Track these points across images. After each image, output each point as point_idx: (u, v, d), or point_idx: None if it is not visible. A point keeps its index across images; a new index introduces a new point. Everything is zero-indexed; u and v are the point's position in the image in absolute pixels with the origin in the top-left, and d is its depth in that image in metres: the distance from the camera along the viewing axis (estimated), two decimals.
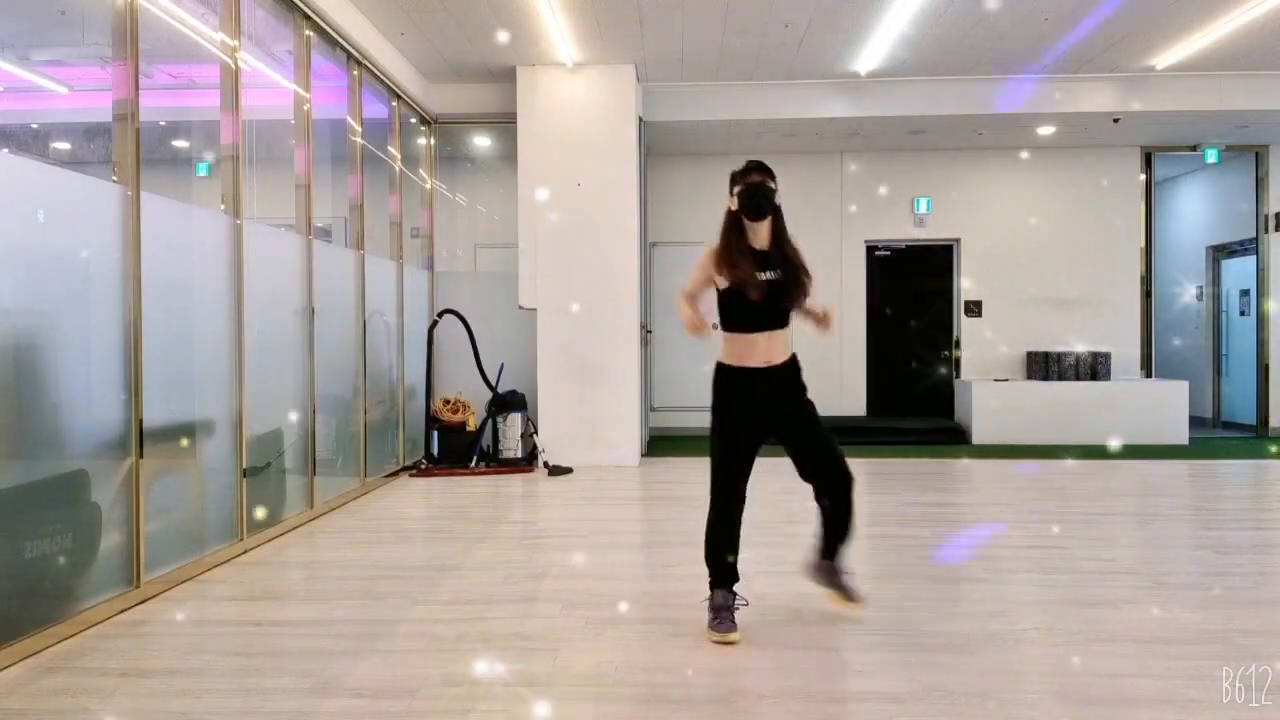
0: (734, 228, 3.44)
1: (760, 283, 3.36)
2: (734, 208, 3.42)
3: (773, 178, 3.41)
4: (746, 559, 4.57)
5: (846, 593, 3.56)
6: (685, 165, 9.95)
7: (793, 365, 3.52)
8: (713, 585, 3.48)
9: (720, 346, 3.51)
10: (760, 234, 3.42)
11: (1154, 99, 8.29)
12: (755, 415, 3.44)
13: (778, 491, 6.56)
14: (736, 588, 3.48)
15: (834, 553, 3.57)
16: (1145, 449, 8.73)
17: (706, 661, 3.17)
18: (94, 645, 3.36)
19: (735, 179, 3.43)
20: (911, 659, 3.16)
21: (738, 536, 3.48)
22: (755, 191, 3.36)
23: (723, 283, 3.40)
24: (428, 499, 6.48)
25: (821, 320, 3.55)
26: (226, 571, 4.41)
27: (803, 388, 3.52)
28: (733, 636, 3.32)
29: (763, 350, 3.42)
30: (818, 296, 3.57)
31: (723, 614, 3.39)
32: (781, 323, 3.47)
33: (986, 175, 10.10)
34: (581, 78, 7.84)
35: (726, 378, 3.48)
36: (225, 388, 4.72)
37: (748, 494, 3.48)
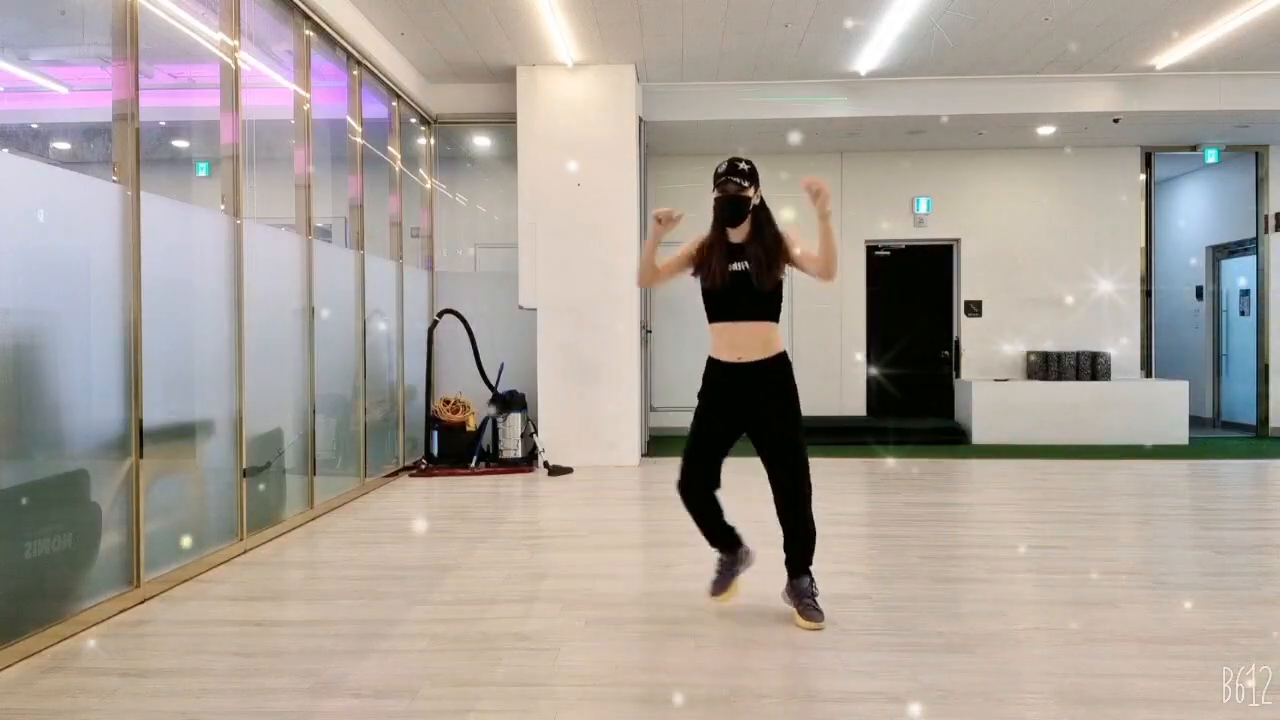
0: (716, 222, 3.59)
1: (725, 275, 3.51)
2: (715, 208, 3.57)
3: (752, 179, 3.51)
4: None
5: (807, 614, 3.49)
6: (685, 165, 9.95)
7: (774, 365, 3.56)
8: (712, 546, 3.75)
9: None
10: (737, 232, 3.56)
11: (1154, 99, 8.29)
12: (724, 410, 3.56)
13: None
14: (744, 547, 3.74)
15: (795, 571, 3.61)
16: (1145, 449, 8.73)
17: (706, 661, 3.17)
18: (94, 645, 3.36)
19: (715, 180, 3.54)
20: (911, 659, 3.16)
21: (716, 517, 3.67)
22: (730, 203, 3.51)
23: (699, 274, 3.59)
24: (428, 499, 6.48)
25: (817, 199, 3.43)
26: (226, 571, 4.41)
27: (783, 392, 3.56)
28: (721, 597, 3.70)
29: (739, 344, 3.53)
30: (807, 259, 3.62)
31: (723, 572, 3.72)
32: (755, 314, 3.54)
33: (986, 175, 10.10)
34: (581, 78, 7.84)
35: (708, 368, 3.65)
36: (225, 388, 4.73)
37: (722, 482, 3.66)
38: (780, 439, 3.54)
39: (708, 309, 3.60)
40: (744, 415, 3.56)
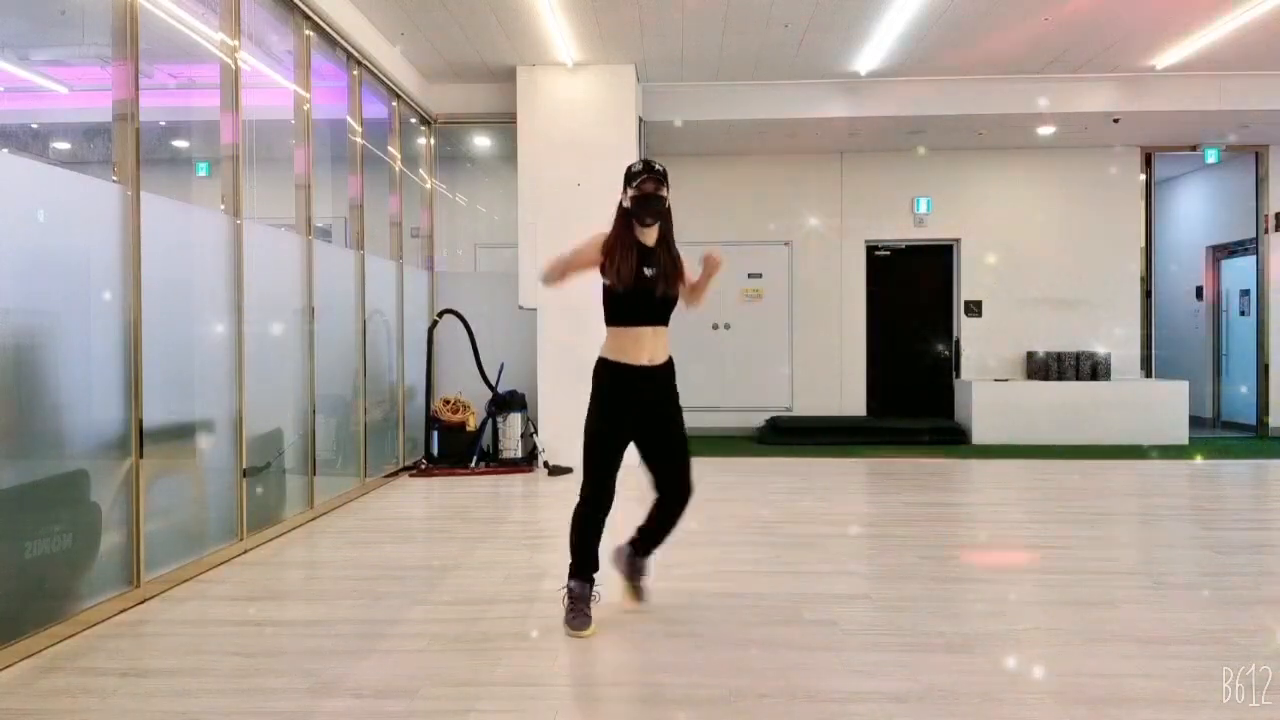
0: (624, 223, 3.54)
1: (639, 278, 3.47)
2: (626, 206, 3.52)
3: (666, 182, 3.51)
4: (748, 559, 4.59)
5: (637, 591, 3.72)
6: (685, 165, 9.94)
7: (671, 369, 3.62)
8: (572, 574, 3.57)
9: (605, 341, 3.59)
10: (648, 233, 3.54)
11: (1154, 99, 8.29)
12: (630, 413, 3.53)
13: (778, 491, 6.57)
14: (596, 576, 3.61)
15: (647, 551, 3.71)
16: (1145, 449, 8.73)
17: (706, 661, 3.17)
18: (94, 645, 3.36)
19: (630, 178, 3.51)
20: (911, 659, 3.17)
21: (602, 528, 3.60)
22: (648, 200, 3.48)
23: (607, 275, 3.51)
24: (428, 499, 6.48)
25: (706, 273, 3.56)
26: (226, 571, 4.41)
27: (676, 396, 3.62)
28: (587, 631, 3.44)
29: (646, 347, 3.52)
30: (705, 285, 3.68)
31: (579, 605, 3.51)
32: (662, 320, 3.56)
33: (986, 175, 10.09)
34: (581, 78, 7.84)
35: (608, 373, 3.56)
36: (225, 388, 4.73)
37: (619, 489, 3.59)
38: (679, 442, 3.57)
39: (615, 311, 3.54)
40: (643, 418, 3.54)
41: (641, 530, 3.68)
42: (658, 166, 3.53)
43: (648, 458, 3.58)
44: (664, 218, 3.55)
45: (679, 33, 7.07)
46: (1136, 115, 8.51)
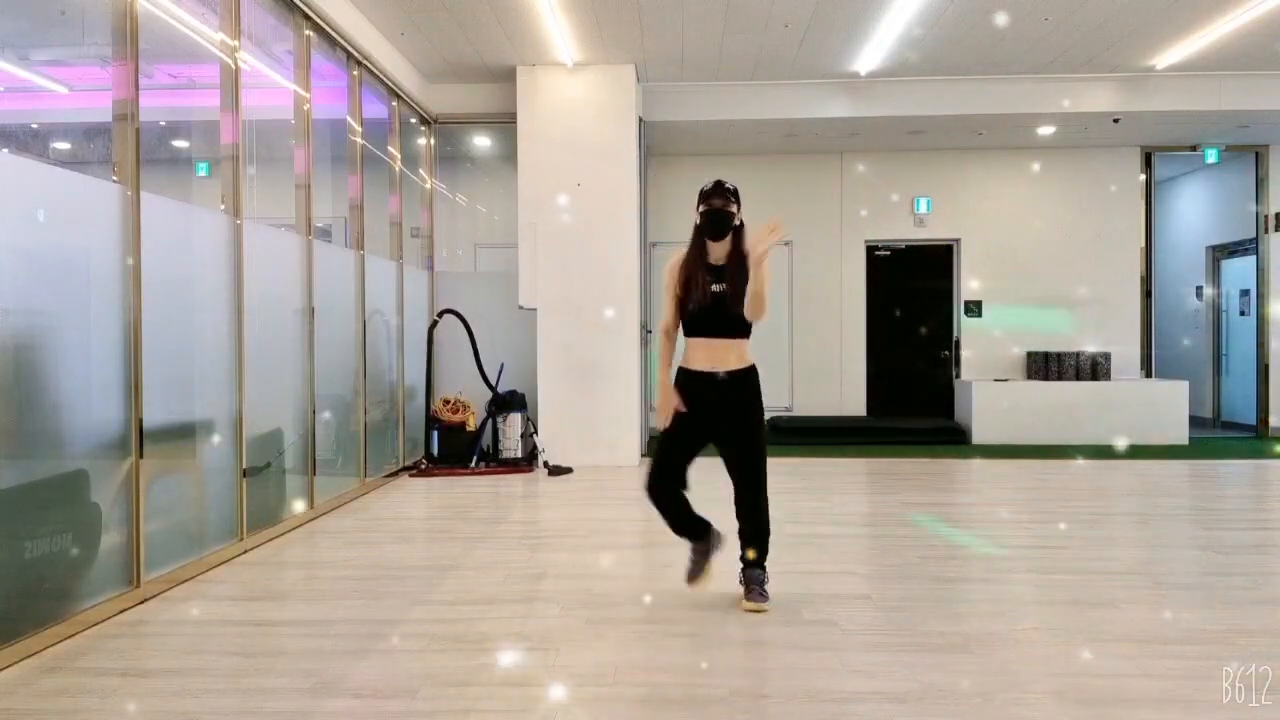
0: (697, 240, 3.73)
1: (707, 296, 3.64)
2: (697, 222, 3.72)
3: (735, 199, 3.70)
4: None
5: (752, 596, 3.73)
6: (685, 165, 9.96)
7: (744, 377, 3.74)
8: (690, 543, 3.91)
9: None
10: (718, 250, 3.70)
11: (1154, 99, 8.29)
12: (696, 417, 3.71)
13: (777, 491, 6.57)
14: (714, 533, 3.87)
15: (751, 564, 3.81)
16: (1145, 449, 8.73)
17: (707, 661, 3.17)
18: (94, 645, 3.36)
19: (701, 197, 3.71)
20: (911, 659, 3.16)
21: (683, 511, 3.78)
22: (715, 216, 3.67)
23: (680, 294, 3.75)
24: (428, 499, 6.48)
25: (765, 239, 3.58)
26: (226, 571, 4.41)
27: (750, 403, 3.74)
28: (696, 584, 3.85)
29: (710, 356, 3.70)
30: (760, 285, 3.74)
31: (695, 559, 3.86)
32: (731, 332, 3.70)
33: (986, 175, 10.10)
34: (581, 78, 7.84)
35: (679, 378, 3.77)
36: (225, 388, 4.72)
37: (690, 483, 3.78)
38: (749, 444, 3.73)
39: (686, 324, 3.75)
40: (714, 422, 3.71)
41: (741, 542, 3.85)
42: (728, 186, 3.71)
43: (726, 458, 3.76)
44: (734, 235, 3.69)
45: (679, 33, 7.08)
46: (1136, 115, 8.52)
